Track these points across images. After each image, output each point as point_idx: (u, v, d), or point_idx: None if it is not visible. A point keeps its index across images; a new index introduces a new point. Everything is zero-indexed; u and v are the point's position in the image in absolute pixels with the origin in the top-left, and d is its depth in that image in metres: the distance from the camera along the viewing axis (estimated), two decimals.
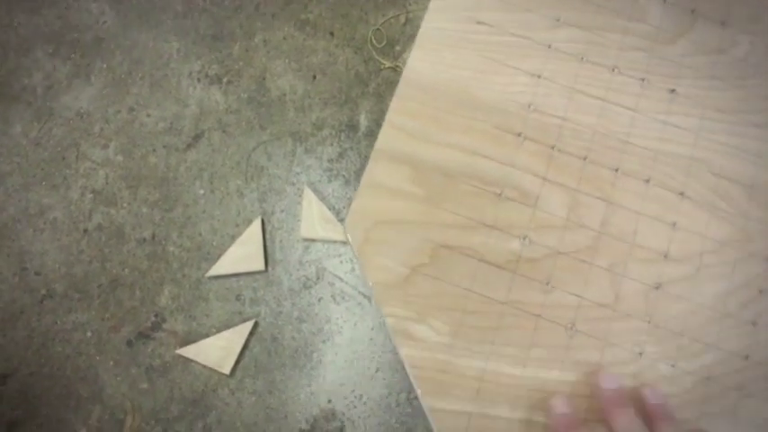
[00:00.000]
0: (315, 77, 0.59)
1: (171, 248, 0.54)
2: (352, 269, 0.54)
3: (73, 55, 0.59)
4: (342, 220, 0.55)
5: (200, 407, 0.50)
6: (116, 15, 0.60)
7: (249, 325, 0.51)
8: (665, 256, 0.38)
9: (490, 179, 0.38)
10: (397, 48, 0.60)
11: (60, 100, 0.58)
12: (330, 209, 0.55)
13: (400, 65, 0.59)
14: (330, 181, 0.56)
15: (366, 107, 0.58)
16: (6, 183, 0.55)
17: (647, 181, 0.39)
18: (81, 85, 0.58)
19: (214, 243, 0.54)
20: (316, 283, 0.53)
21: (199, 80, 0.58)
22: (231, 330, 0.51)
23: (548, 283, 0.37)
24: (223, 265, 0.53)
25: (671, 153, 0.39)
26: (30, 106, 0.57)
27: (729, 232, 0.38)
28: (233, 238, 0.54)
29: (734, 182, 0.39)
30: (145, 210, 0.55)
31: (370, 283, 0.36)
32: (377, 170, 0.38)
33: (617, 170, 0.39)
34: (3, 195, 0.54)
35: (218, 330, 0.51)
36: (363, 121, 0.58)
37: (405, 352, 0.36)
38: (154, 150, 0.56)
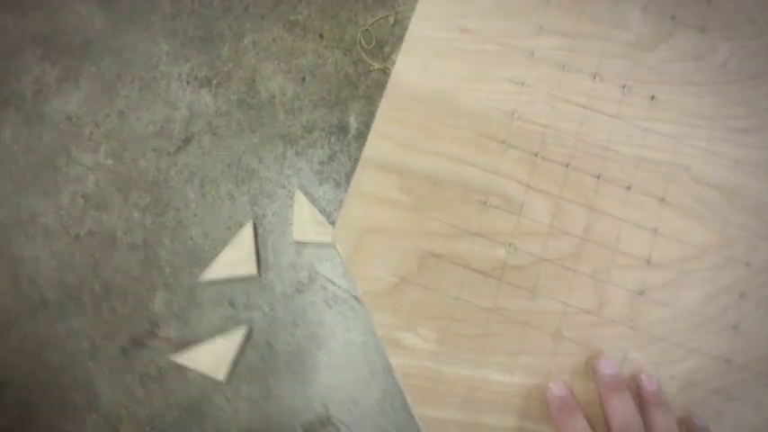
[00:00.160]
0: (304, 79, 0.59)
1: (163, 254, 0.54)
2: (345, 273, 0.54)
3: (62, 58, 0.59)
4: (333, 223, 0.55)
5: (195, 414, 0.51)
6: (105, 18, 0.60)
7: (243, 331, 0.51)
8: (648, 262, 0.38)
9: (475, 187, 0.38)
10: (387, 49, 0.59)
11: (50, 104, 0.57)
12: (321, 211, 0.55)
13: (389, 66, 0.59)
14: (321, 183, 0.56)
15: (356, 109, 0.58)
16: None
17: (629, 188, 0.39)
18: (70, 89, 0.58)
19: (206, 247, 0.54)
20: (308, 287, 0.54)
21: (188, 83, 0.58)
22: (225, 336, 0.51)
23: (533, 291, 0.37)
24: (215, 270, 0.53)
25: (652, 159, 0.40)
26: (19, 111, 0.57)
27: (710, 238, 0.39)
28: (225, 242, 0.54)
29: (714, 188, 0.40)
30: (136, 214, 0.55)
31: (360, 293, 0.36)
32: (364, 179, 0.38)
33: (599, 177, 0.39)
34: None
35: (212, 336, 0.51)
36: (353, 123, 0.58)
37: (395, 361, 0.36)
38: (144, 154, 0.56)
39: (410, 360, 0.36)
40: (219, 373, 0.50)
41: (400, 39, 0.59)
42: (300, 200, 0.55)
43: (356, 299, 0.53)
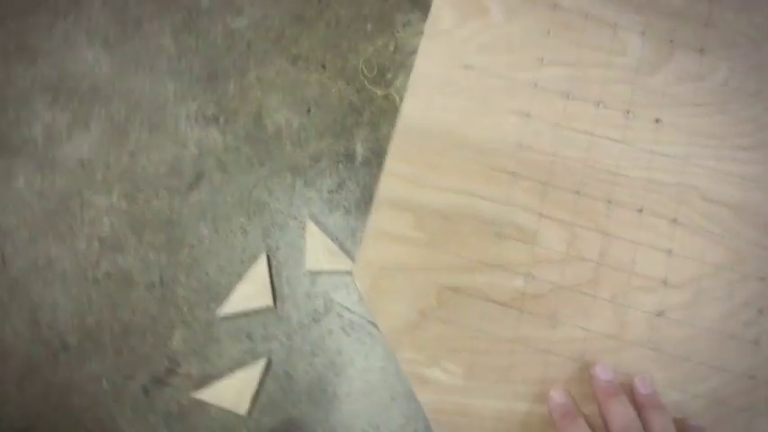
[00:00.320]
0: (309, 110, 0.60)
1: (180, 291, 0.54)
2: (360, 299, 0.54)
3: (71, 104, 0.60)
4: (346, 251, 0.56)
5: None
6: (111, 62, 0.61)
7: (262, 363, 0.52)
8: (665, 283, 0.38)
9: (488, 219, 0.39)
10: (389, 75, 0.60)
11: (61, 150, 0.58)
12: (333, 240, 0.56)
13: (393, 93, 0.60)
14: (331, 212, 0.57)
15: (361, 136, 0.59)
16: (13, 237, 0.55)
17: (640, 210, 0.39)
18: (81, 134, 0.59)
19: (221, 282, 0.55)
20: (325, 316, 0.54)
21: (196, 121, 0.59)
22: (244, 370, 0.51)
23: (553, 319, 0.38)
24: (232, 304, 0.53)
25: (661, 181, 0.40)
26: (31, 158, 0.58)
27: (724, 255, 0.39)
28: (239, 276, 0.54)
29: (724, 205, 0.40)
30: (151, 254, 0.55)
31: (382, 330, 0.36)
32: (380, 218, 0.39)
33: (610, 202, 0.39)
34: (10, 250, 0.55)
35: (232, 370, 0.52)
36: (360, 150, 0.58)
37: (422, 398, 0.36)
38: (156, 194, 0.57)
39: (437, 396, 0.36)
40: (241, 407, 0.50)
41: (402, 65, 0.60)
42: (312, 230, 0.55)
43: (373, 325, 0.54)
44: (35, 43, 0.62)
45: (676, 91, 0.42)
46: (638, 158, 0.40)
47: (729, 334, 0.38)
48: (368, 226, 0.38)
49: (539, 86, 0.41)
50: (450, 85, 0.41)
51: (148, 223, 0.56)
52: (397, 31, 0.61)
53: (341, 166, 0.58)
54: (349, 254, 0.55)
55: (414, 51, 0.61)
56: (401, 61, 0.60)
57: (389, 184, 0.39)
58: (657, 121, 0.41)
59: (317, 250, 0.55)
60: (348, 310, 0.54)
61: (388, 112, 0.59)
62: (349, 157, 0.58)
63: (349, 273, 0.55)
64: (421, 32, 0.61)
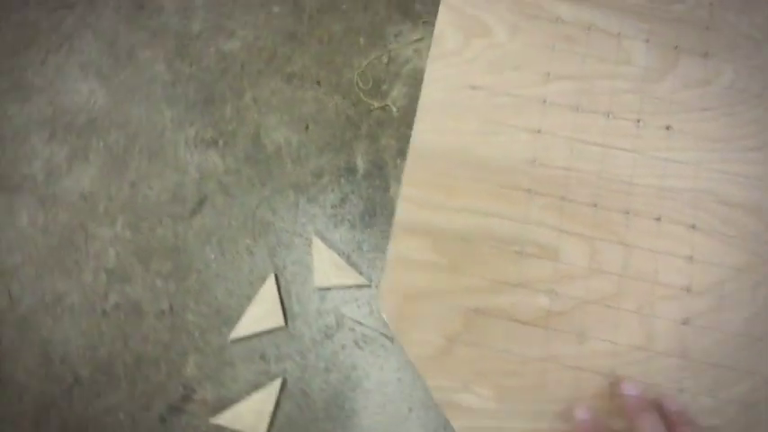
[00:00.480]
0: (307, 127, 0.60)
1: (190, 317, 0.54)
2: (371, 312, 0.54)
3: (69, 138, 0.60)
4: (353, 265, 0.55)
5: None
6: (106, 93, 0.62)
7: (277, 383, 0.51)
8: (688, 291, 0.38)
9: (507, 238, 0.38)
10: (384, 87, 0.61)
11: (62, 184, 0.58)
12: (340, 254, 0.56)
13: (389, 103, 0.60)
14: (336, 227, 0.57)
15: (361, 149, 0.59)
16: (19, 274, 0.55)
17: (658, 219, 0.39)
18: (81, 167, 0.59)
19: (231, 305, 0.54)
20: (337, 331, 0.54)
21: (195, 146, 0.59)
22: (260, 391, 0.51)
23: (580, 334, 0.37)
24: (243, 327, 0.53)
25: (675, 188, 0.40)
26: (33, 195, 0.58)
27: (743, 257, 0.39)
28: (249, 298, 0.54)
29: (739, 207, 0.39)
30: (159, 282, 0.55)
31: (411, 358, 0.36)
32: (399, 245, 0.38)
33: (628, 212, 0.39)
34: (17, 288, 0.55)
35: (248, 393, 0.51)
36: (360, 163, 0.58)
37: (456, 424, 0.36)
38: (160, 221, 0.57)
39: (471, 421, 0.36)
40: (260, 429, 0.50)
41: (396, 76, 0.61)
42: (318, 246, 0.55)
43: (386, 337, 0.53)
44: (28, 80, 0.62)
45: (684, 97, 0.42)
46: (652, 167, 0.40)
47: (756, 336, 0.38)
48: (388, 254, 0.38)
49: (547, 102, 0.41)
50: (459, 107, 0.41)
51: (154, 252, 0.56)
52: (390, 43, 0.62)
53: (343, 180, 0.58)
54: (356, 267, 0.55)
55: (407, 61, 0.61)
56: (396, 72, 0.61)
57: (406, 210, 0.39)
58: (668, 128, 0.41)
59: (325, 266, 0.55)
60: (359, 323, 0.54)
61: (386, 123, 0.59)
62: (350, 170, 0.58)
63: (358, 287, 0.54)
64: (413, 42, 0.62)
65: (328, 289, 0.55)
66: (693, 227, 0.39)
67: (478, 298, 0.37)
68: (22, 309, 0.54)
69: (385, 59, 0.61)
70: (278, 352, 0.53)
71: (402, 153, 0.58)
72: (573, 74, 0.42)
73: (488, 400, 0.36)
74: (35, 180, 0.58)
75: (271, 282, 0.54)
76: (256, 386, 0.52)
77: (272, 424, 0.51)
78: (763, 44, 0.42)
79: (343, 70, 0.61)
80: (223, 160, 0.58)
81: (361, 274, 0.55)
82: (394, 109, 0.59)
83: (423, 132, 0.40)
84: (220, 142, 0.59)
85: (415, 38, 0.62)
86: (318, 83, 0.61)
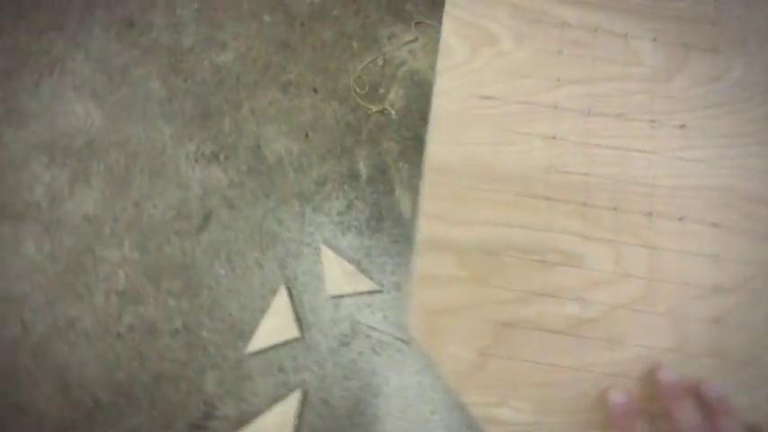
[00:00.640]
0: (307, 135, 0.60)
1: (205, 334, 0.54)
2: (385, 317, 0.54)
3: (69, 161, 0.60)
4: (363, 271, 0.56)
5: None
6: (102, 113, 0.61)
7: (298, 394, 0.52)
8: (718, 289, 0.38)
9: (530, 248, 0.38)
10: (381, 90, 0.61)
11: (65, 208, 0.58)
12: (350, 261, 0.56)
13: (387, 106, 0.60)
14: (344, 234, 0.57)
15: (362, 154, 0.59)
16: (30, 302, 0.55)
17: (681, 219, 0.39)
18: (83, 190, 0.59)
19: (245, 319, 0.55)
20: (353, 339, 0.54)
21: (197, 161, 0.59)
22: (281, 403, 0.51)
23: (613, 341, 0.37)
24: (259, 340, 0.53)
25: (695, 187, 0.39)
26: (37, 221, 0.58)
27: None
28: (262, 311, 0.54)
29: (761, 202, 0.39)
30: (171, 301, 0.55)
31: (445, 376, 0.36)
32: (423, 262, 0.38)
33: (650, 214, 0.39)
34: (30, 316, 0.55)
35: (269, 406, 0.52)
36: (363, 168, 0.58)
37: None
38: (167, 240, 0.57)
39: None
40: None
41: (392, 78, 0.61)
42: (328, 255, 0.55)
43: (402, 341, 0.54)
44: (23, 105, 0.62)
45: (695, 94, 0.41)
46: (670, 167, 0.40)
47: None
48: (413, 272, 0.37)
49: (559, 107, 0.41)
50: (472, 118, 0.40)
51: (164, 270, 0.56)
52: (384, 46, 0.61)
53: (346, 186, 0.58)
54: (367, 273, 0.55)
55: (402, 63, 0.61)
56: (391, 74, 0.61)
57: (428, 226, 0.38)
58: (682, 126, 0.41)
59: (336, 274, 0.55)
60: (374, 329, 0.54)
61: (386, 126, 0.59)
62: (353, 176, 0.58)
63: (370, 292, 0.55)
64: (406, 43, 0.62)
65: (341, 297, 0.55)
66: (717, 224, 0.39)
67: (507, 310, 0.37)
68: (36, 336, 0.54)
69: (380, 62, 0.61)
70: (295, 363, 0.53)
71: (404, 155, 0.58)
72: (583, 78, 0.41)
73: (527, 413, 0.36)
74: (38, 206, 0.58)
75: (282, 293, 0.54)
76: (276, 399, 0.52)
77: None
78: None
79: (338, 76, 0.61)
80: (225, 174, 0.58)
81: (371, 279, 0.55)
82: (392, 112, 0.59)
83: (437, 145, 0.40)
84: (221, 156, 0.59)
85: (408, 39, 0.62)
86: (315, 90, 0.60)
